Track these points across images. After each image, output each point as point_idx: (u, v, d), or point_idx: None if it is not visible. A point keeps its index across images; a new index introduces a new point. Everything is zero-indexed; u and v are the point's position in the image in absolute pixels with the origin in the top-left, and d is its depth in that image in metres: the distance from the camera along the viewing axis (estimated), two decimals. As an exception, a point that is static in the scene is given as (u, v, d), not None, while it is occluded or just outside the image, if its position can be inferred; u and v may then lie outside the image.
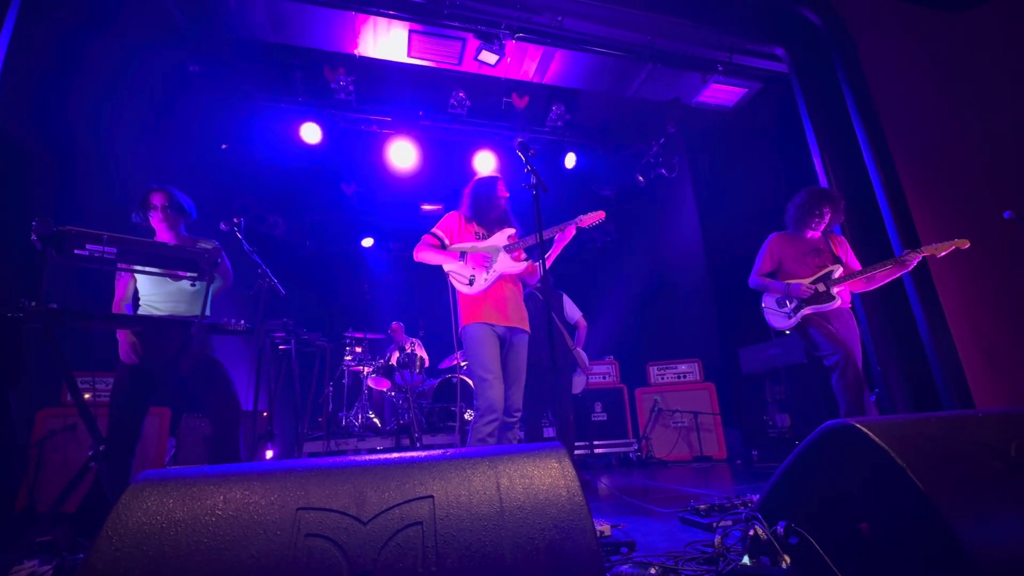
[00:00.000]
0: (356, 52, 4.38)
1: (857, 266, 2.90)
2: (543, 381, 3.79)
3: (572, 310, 4.19)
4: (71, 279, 2.63)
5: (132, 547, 0.68)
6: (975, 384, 2.80)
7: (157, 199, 2.44)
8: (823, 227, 2.94)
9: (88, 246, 1.79)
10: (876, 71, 3.37)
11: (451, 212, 2.71)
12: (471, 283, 2.47)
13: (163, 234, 2.47)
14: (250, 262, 2.86)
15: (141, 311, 2.41)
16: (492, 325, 2.42)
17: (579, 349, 4.12)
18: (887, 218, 3.12)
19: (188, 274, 2.06)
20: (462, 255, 2.52)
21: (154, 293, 2.41)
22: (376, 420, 5.35)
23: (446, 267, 2.56)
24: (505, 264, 2.51)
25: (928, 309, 2.94)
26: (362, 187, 6.30)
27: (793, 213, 2.97)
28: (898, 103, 3.30)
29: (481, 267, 2.48)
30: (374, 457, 0.91)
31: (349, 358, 5.42)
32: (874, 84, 3.34)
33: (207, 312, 2.50)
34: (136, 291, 2.45)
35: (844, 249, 2.94)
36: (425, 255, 2.58)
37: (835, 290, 2.80)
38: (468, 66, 4.31)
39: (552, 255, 2.51)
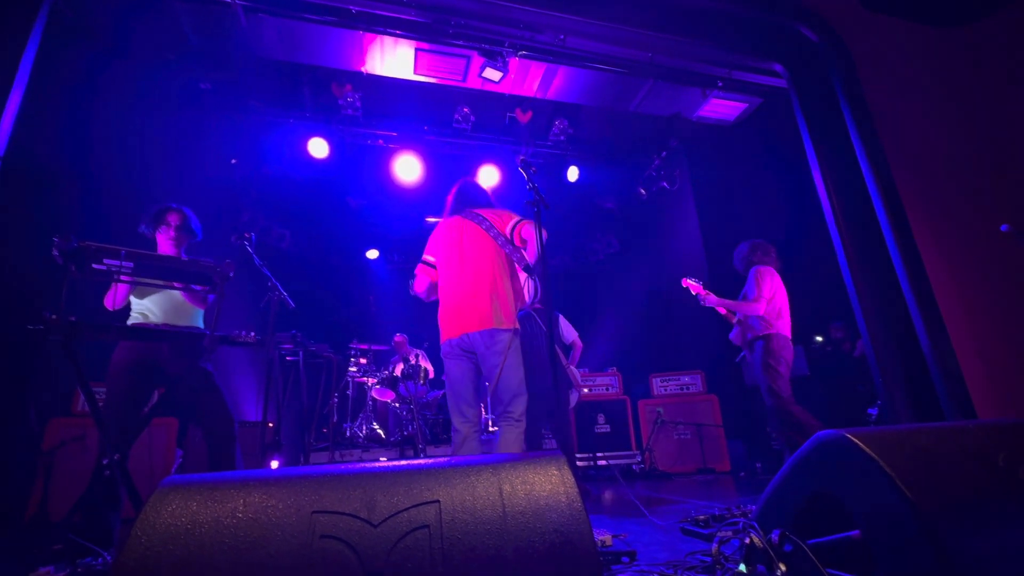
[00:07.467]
0: (363, 69, 4.49)
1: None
2: (542, 399, 3.91)
3: (568, 331, 4.28)
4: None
5: (160, 546, 0.73)
6: (976, 395, 2.81)
7: (173, 218, 2.50)
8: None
9: (106, 261, 1.86)
10: (874, 86, 3.42)
11: (436, 226, 2.69)
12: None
13: (166, 250, 2.51)
14: (260, 275, 2.92)
15: (133, 320, 2.43)
16: (451, 340, 2.36)
17: (572, 367, 4.23)
18: (886, 231, 3.15)
19: (201, 288, 2.13)
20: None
21: (149, 303, 2.45)
22: (380, 431, 5.38)
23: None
24: None
25: (928, 321, 2.96)
26: (368, 200, 6.41)
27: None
28: (897, 117, 3.34)
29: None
30: (383, 464, 0.95)
31: (354, 369, 5.46)
32: (872, 99, 3.40)
33: (199, 324, 2.57)
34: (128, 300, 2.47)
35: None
36: (421, 284, 2.56)
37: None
38: (472, 82, 4.41)
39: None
